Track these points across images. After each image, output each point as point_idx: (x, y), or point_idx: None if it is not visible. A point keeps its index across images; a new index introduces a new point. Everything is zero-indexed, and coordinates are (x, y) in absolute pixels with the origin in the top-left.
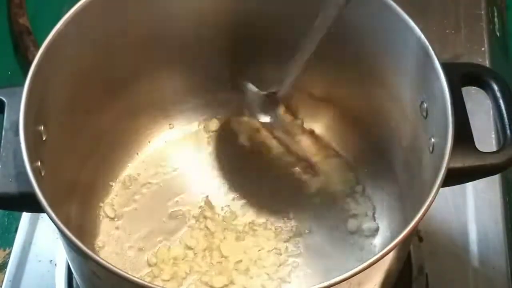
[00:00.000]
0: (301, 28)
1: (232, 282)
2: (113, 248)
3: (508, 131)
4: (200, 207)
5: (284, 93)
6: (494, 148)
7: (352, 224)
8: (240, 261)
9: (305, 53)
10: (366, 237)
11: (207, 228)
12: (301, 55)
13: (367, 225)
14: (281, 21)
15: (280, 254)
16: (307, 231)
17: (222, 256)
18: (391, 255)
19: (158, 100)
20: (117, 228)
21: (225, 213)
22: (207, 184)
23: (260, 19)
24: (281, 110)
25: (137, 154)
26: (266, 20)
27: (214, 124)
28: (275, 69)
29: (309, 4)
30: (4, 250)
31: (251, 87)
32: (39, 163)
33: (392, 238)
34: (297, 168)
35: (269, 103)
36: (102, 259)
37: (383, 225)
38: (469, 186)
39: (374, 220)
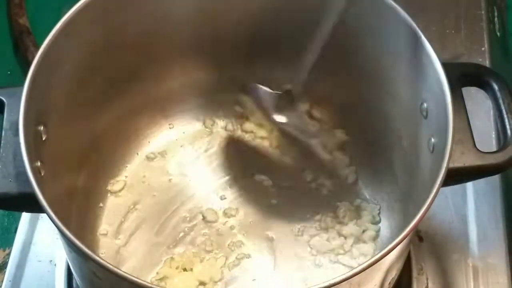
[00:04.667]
0: (303, 26)
1: None
2: (113, 247)
3: (509, 131)
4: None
5: (297, 91)
6: (494, 148)
7: (352, 224)
8: None
9: (311, 56)
10: (366, 237)
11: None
12: (309, 57)
13: (367, 225)
14: (282, 19)
15: None
16: (307, 232)
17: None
18: (391, 255)
19: (158, 100)
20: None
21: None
22: (207, 184)
23: (261, 17)
24: (299, 108)
25: (137, 154)
26: (267, 17)
27: (214, 124)
28: (274, 68)
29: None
30: (4, 250)
31: (263, 87)
32: (38, 163)
33: (392, 238)
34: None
35: (284, 102)
36: (102, 259)
37: (383, 225)
38: (469, 186)
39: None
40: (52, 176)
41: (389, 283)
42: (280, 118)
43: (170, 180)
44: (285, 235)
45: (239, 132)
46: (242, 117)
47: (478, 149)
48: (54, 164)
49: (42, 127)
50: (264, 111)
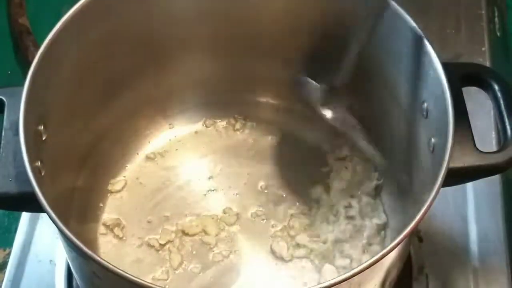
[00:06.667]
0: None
1: None
2: (112, 247)
3: (509, 131)
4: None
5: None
6: (494, 148)
7: (353, 224)
8: None
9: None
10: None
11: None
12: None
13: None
14: (279, 18)
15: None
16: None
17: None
18: (391, 255)
19: (158, 100)
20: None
21: (224, 214)
22: (208, 185)
23: (264, 16)
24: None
25: (137, 154)
26: (270, 17)
27: (215, 124)
28: (274, 68)
29: None
30: (4, 250)
31: (310, 81)
32: (39, 163)
33: (392, 238)
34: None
35: (330, 97)
36: (102, 259)
37: None
38: (470, 186)
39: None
40: (52, 175)
41: (389, 283)
42: (326, 113)
43: (170, 180)
44: (285, 235)
45: (233, 132)
46: (237, 117)
47: (478, 149)
48: (54, 163)
49: (42, 127)
50: (311, 106)
